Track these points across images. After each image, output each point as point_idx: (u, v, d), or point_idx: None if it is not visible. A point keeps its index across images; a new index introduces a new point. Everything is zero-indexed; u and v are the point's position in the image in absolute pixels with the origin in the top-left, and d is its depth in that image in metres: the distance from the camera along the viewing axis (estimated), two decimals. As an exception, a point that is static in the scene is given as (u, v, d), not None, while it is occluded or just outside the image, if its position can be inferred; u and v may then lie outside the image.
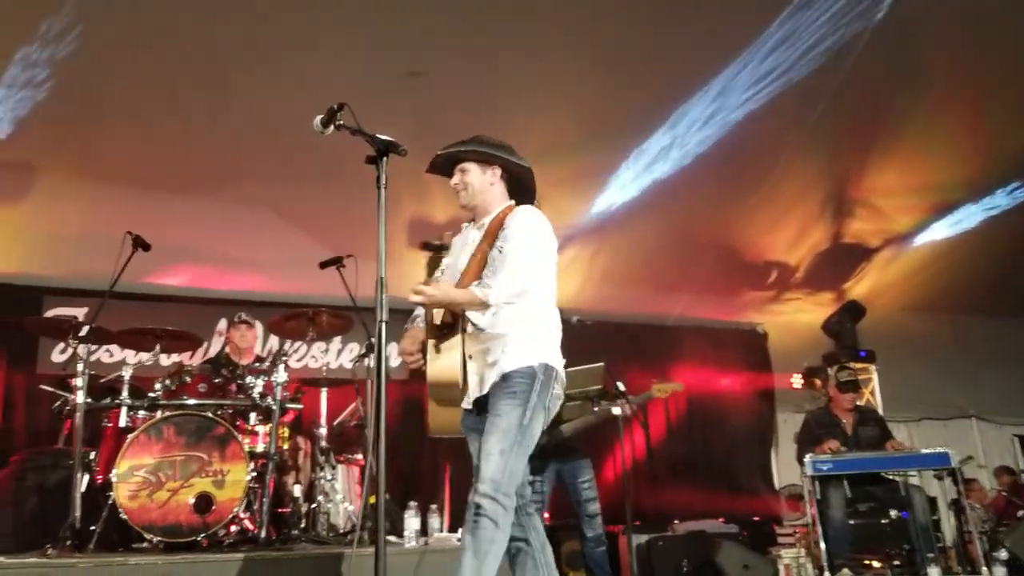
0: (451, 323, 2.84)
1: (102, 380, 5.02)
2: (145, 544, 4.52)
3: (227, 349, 5.85)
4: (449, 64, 5.58)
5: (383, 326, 2.49)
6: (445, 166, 3.07)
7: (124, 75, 5.23)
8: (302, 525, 5.15)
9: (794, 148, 6.63)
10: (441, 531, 5.28)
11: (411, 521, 4.69)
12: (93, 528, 4.45)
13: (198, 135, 5.69)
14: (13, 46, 4.98)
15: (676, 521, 6.82)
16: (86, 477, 4.64)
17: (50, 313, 6.25)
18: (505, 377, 2.75)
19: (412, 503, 4.85)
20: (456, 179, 3.01)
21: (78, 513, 4.37)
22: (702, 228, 7.30)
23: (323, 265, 5.22)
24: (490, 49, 5.59)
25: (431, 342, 2.83)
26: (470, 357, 2.83)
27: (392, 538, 4.98)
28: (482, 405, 2.82)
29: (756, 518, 7.43)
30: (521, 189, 3.08)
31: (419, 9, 5.23)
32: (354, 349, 7.24)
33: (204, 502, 4.58)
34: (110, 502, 4.50)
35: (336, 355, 7.31)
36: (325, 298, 5.52)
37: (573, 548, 5.95)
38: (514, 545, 2.83)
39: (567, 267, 7.30)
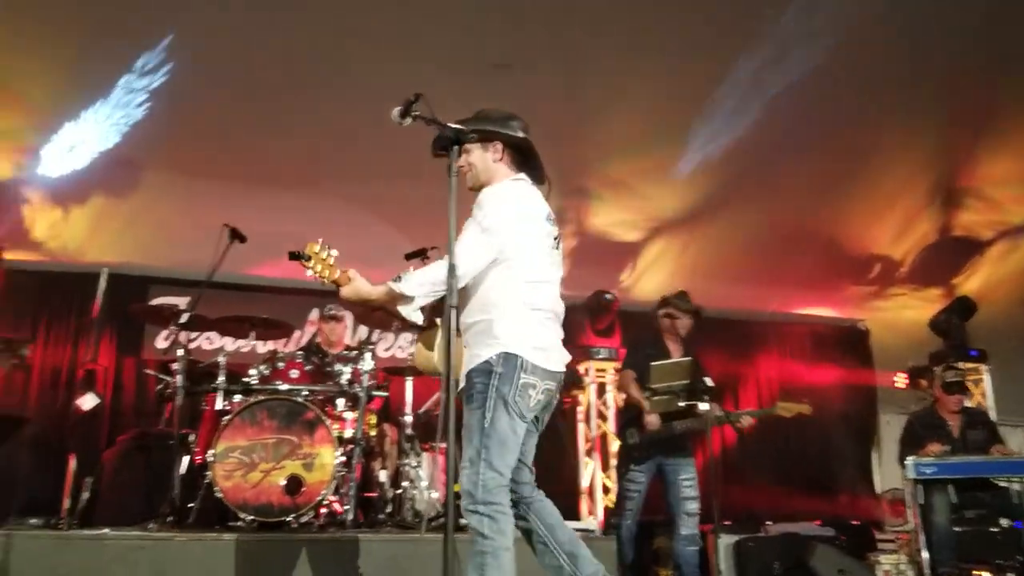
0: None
1: (200, 365, 5.23)
2: (239, 523, 4.71)
3: (318, 338, 6.00)
4: (535, 56, 5.55)
5: (453, 311, 2.46)
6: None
7: (219, 77, 5.46)
8: (388, 510, 5.24)
9: (897, 133, 6.28)
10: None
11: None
12: (191, 505, 4.67)
13: (289, 132, 5.88)
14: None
15: (768, 522, 6.57)
16: (186, 457, 4.86)
17: (155, 301, 6.57)
18: (468, 378, 2.67)
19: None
20: (460, 160, 2.83)
21: (178, 491, 4.58)
22: (799, 220, 7.02)
23: (409, 256, 5.27)
24: (577, 39, 5.53)
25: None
26: (466, 346, 2.76)
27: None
28: None
29: (855, 522, 7.09)
30: (530, 162, 2.91)
31: (505, 3, 5.24)
32: (439, 341, 7.34)
33: (294, 484, 4.70)
34: (207, 481, 4.71)
35: (420, 347, 7.41)
36: (412, 289, 5.57)
37: (663, 545, 5.82)
38: (527, 537, 2.84)
39: (655, 260, 7.17)
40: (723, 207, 6.73)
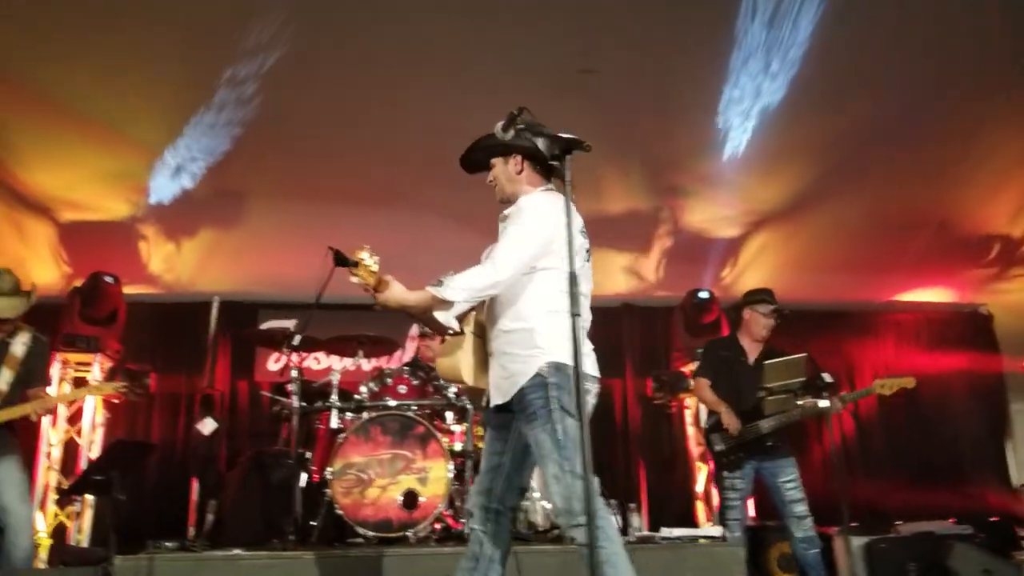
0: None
1: (314, 385, 5.36)
2: (359, 539, 4.79)
3: (420, 354, 6.01)
4: (619, 61, 5.49)
5: (575, 320, 2.38)
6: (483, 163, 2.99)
7: (310, 100, 5.61)
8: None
9: (1005, 108, 5.92)
10: (640, 529, 5.16)
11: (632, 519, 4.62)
12: (313, 523, 4.76)
13: (381, 148, 5.98)
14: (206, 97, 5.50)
15: (899, 522, 6.23)
16: (303, 475, 4.97)
17: (264, 326, 6.81)
18: (520, 396, 2.63)
19: (612, 501, 4.77)
20: (489, 176, 2.94)
21: (299, 509, 4.66)
22: (907, 203, 6.66)
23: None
24: (660, 44, 5.43)
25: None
26: (491, 354, 2.76)
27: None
28: (505, 407, 2.70)
29: (993, 518, 6.64)
30: (554, 169, 2.87)
31: (588, 7, 5.19)
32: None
33: (411, 498, 4.76)
34: (327, 499, 4.81)
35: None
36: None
37: (783, 551, 5.59)
38: (472, 539, 2.81)
39: (758, 255, 6.95)
40: (827, 195, 6.45)
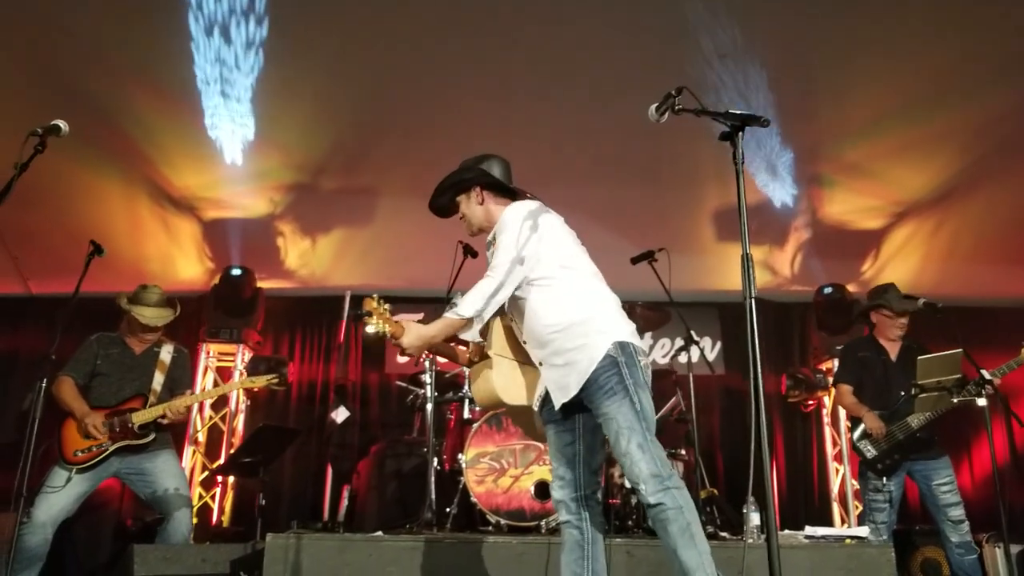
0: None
1: (446, 375, 5.45)
2: (490, 528, 4.83)
3: None
4: (760, 43, 5.31)
5: (752, 303, 2.26)
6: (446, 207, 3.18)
7: (440, 97, 5.70)
8: (634, 516, 5.15)
9: None
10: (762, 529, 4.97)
11: (752, 516, 4.45)
12: (448, 510, 4.84)
13: (511, 143, 6.00)
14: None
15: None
16: (435, 464, 5.05)
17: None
18: (592, 379, 2.69)
19: (751, 498, 4.61)
20: (459, 215, 3.14)
21: (434, 496, 4.73)
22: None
23: (635, 260, 5.20)
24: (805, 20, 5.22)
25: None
26: (541, 364, 2.84)
27: (726, 534, 4.82)
28: (568, 405, 2.78)
29: None
30: (509, 191, 3.09)
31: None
32: (666, 344, 7.20)
33: (543, 489, 4.77)
34: (461, 486, 4.88)
35: (648, 350, 7.30)
36: (637, 293, 5.48)
37: (928, 556, 5.30)
38: (568, 532, 2.86)
39: (902, 246, 6.57)
40: (981, 182, 6.01)
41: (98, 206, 6.45)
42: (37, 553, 4.03)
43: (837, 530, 4.75)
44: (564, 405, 2.78)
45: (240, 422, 7.04)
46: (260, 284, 7.00)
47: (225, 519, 6.80)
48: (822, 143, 5.93)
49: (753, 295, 2.27)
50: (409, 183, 6.35)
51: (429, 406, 5.03)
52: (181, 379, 4.63)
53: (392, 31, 5.35)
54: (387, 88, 5.71)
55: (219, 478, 6.75)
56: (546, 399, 2.87)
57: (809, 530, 4.43)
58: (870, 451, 4.78)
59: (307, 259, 6.99)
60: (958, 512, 4.54)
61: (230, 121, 5.88)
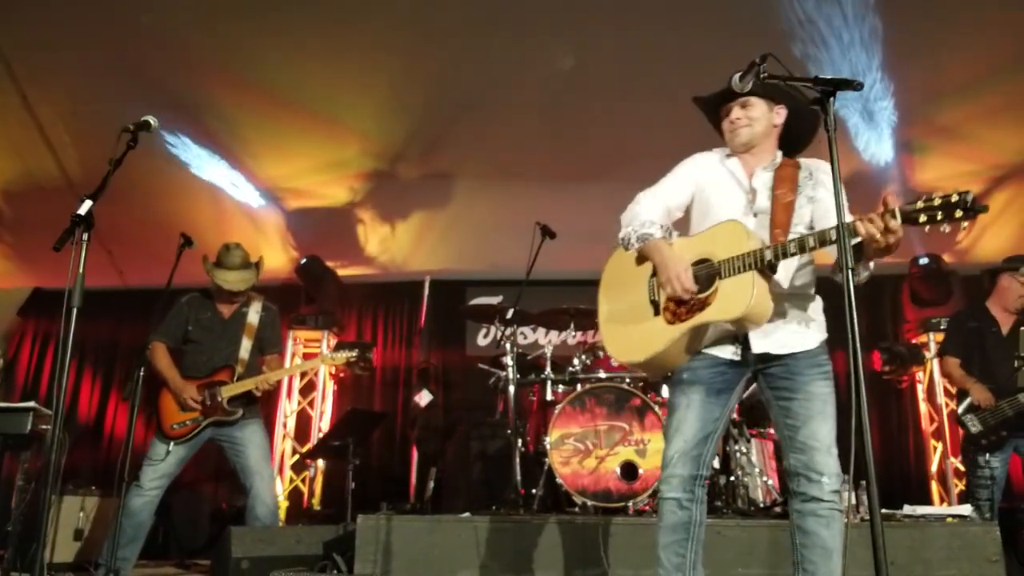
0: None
1: (528, 358, 5.46)
2: (576, 509, 4.83)
3: None
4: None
5: (849, 275, 2.14)
6: (719, 99, 2.75)
7: (509, 86, 5.67)
8: (723, 497, 5.06)
9: None
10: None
11: (850, 495, 4.31)
12: (534, 491, 4.85)
13: (588, 125, 5.95)
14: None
15: None
16: (519, 445, 5.07)
17: (473, 303, 7.03)
18: (820, 349, 2.62)
19: (848, 476, 4.47)
20: (737, 113, 2.70)
21: (519, 478, 4.75)
22: None
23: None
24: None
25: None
26: (782, 315, 2.61)
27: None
28: (757, 359, 2.60)
29: None
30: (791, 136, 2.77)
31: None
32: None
33: (630, 470, 4.74)
34: (546, 468, 4.88)
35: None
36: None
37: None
38: (674, 511, 2.62)
39: (1001, 213, 6.21)
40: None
41: (185, 199, 6.68)
42: (142, 520, 4.14)
43: (937, 508, 4.56)
44: (734, 376, 2.63)
45: (328, 407, 7.23)
46: (342, 271, 7.15)
47: (316, 502, 6.99)
48: (915, 107, 5.64)
49: (851, 266, 2.16)
50: (484, 166, 6.39)
51: (511, 388, 5.06)
52: (270, 339, 4.64)
53: (463, 14, 5.33)
54: (460, 72, 5.70)
55: (309, 462, 6.93)
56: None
57: (908, 509, 4.28)
58: (976, 426, 4.59)
59: (387, 245, 7.09)
60: None
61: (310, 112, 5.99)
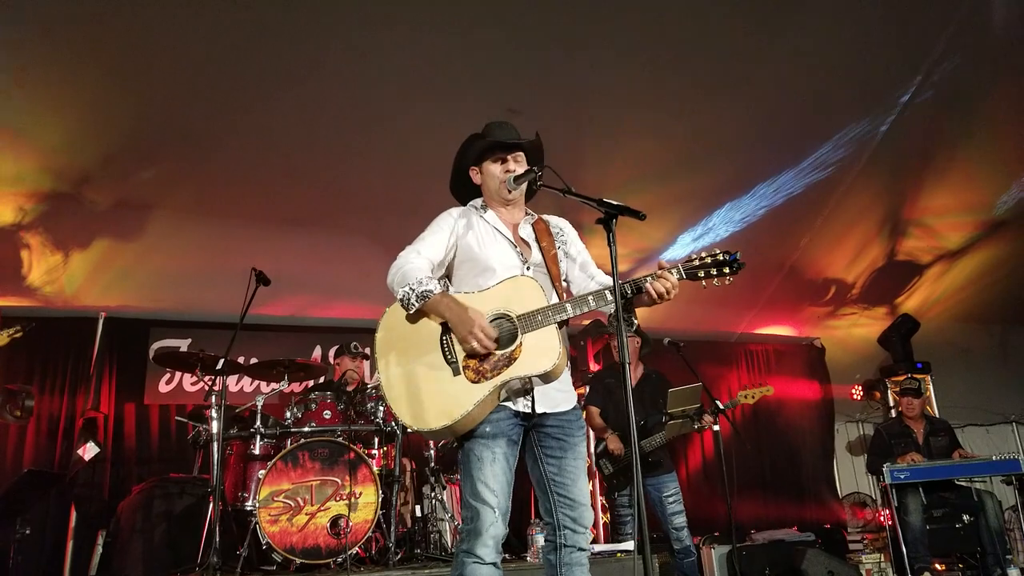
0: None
1: (237, 410, 5.25)
2: (273, 567, 4.73)
3: (345, 377, 5.92)
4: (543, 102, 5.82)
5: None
6: (500, 147, 2.87)
7: (226, 116, 5.48)
8: (421, 544, 5.37)
9: (856, 174, 6.97)
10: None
11: (536, 538, 4.91)
12: (239, 552, 4.64)
13: (298, 172, 5.94)
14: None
15: (753, 531, 7.04)
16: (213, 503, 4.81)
17: (156, 344, 6.48)
18: (577, 408, 2.79)
19: (535, 520, 5.06)
20: (512, 165, 2.85)
21: (218, 537, 4.50)
22: (770, 249, 7.57)
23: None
24: (579, 88, 5.84)
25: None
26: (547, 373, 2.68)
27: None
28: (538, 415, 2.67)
29: (827, 525, 7.65)
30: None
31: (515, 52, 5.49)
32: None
33: (339, 524, 4.80)
34: (253, 527, 4.72)
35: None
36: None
37: (664, 561, 6.17)
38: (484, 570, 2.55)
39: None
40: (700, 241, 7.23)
41: None
42: None
43: (607, 546, 5.37)
44: (522, 428, 2.66)
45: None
46: (-11, 302, 6.08)
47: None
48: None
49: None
50: (190, 200, 6.00)
51: (215, 443, 4.81)
52: None
53: (183, 47, 5.02)
54: (173, 103, 5.33)
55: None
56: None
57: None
58: (609, 468, 5.55)
59: (55, 275, 6.19)
60: (681, 520, 5.37)
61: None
